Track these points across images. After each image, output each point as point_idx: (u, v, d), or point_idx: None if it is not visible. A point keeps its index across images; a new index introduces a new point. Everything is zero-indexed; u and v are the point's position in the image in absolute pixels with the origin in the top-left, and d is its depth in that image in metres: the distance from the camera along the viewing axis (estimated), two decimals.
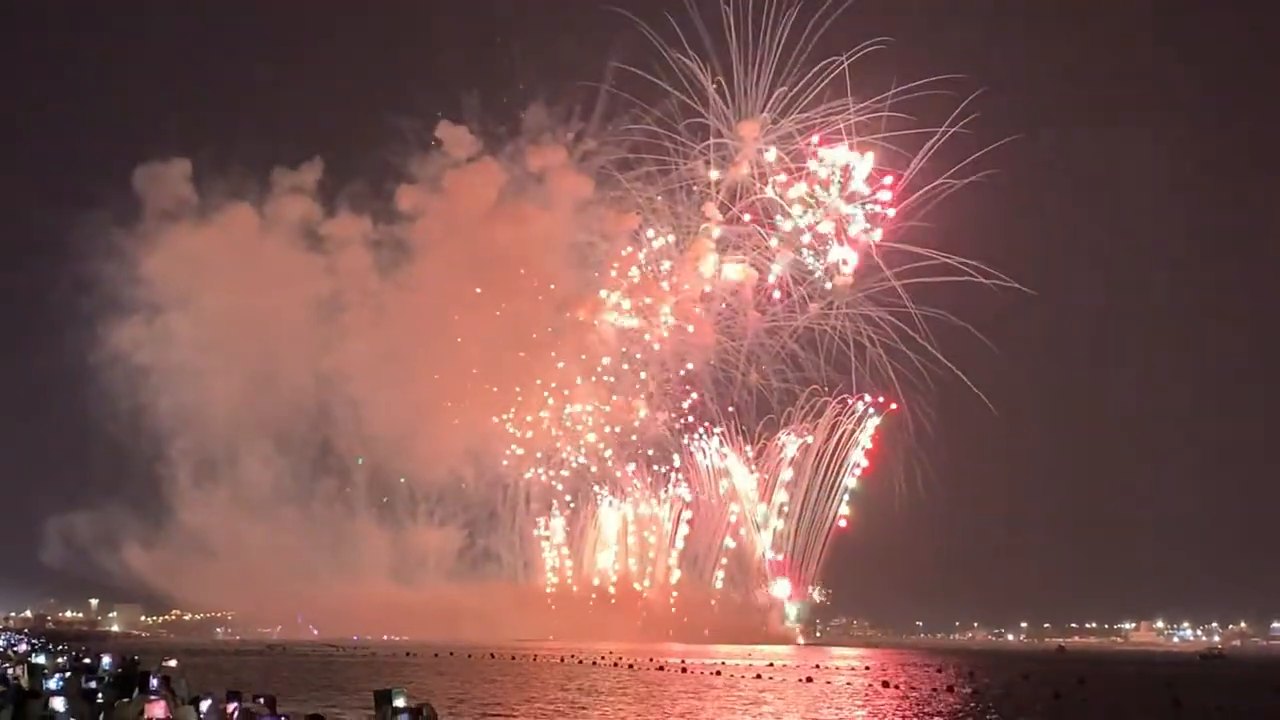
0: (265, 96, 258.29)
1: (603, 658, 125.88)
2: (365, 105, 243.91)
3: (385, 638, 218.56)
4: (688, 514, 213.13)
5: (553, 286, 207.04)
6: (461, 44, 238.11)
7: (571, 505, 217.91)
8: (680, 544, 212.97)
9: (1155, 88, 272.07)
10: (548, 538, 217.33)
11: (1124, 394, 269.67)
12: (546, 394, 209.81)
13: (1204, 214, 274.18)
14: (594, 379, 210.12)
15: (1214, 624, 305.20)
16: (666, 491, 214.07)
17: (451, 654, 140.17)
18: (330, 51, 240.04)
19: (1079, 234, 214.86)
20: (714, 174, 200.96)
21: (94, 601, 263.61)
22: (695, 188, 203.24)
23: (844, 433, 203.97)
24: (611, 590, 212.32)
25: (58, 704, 13.82)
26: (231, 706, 14.42)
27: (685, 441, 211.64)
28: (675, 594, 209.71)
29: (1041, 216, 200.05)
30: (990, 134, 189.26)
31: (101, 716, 14.59)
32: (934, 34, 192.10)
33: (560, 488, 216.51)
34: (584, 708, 61.15)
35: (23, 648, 50.53)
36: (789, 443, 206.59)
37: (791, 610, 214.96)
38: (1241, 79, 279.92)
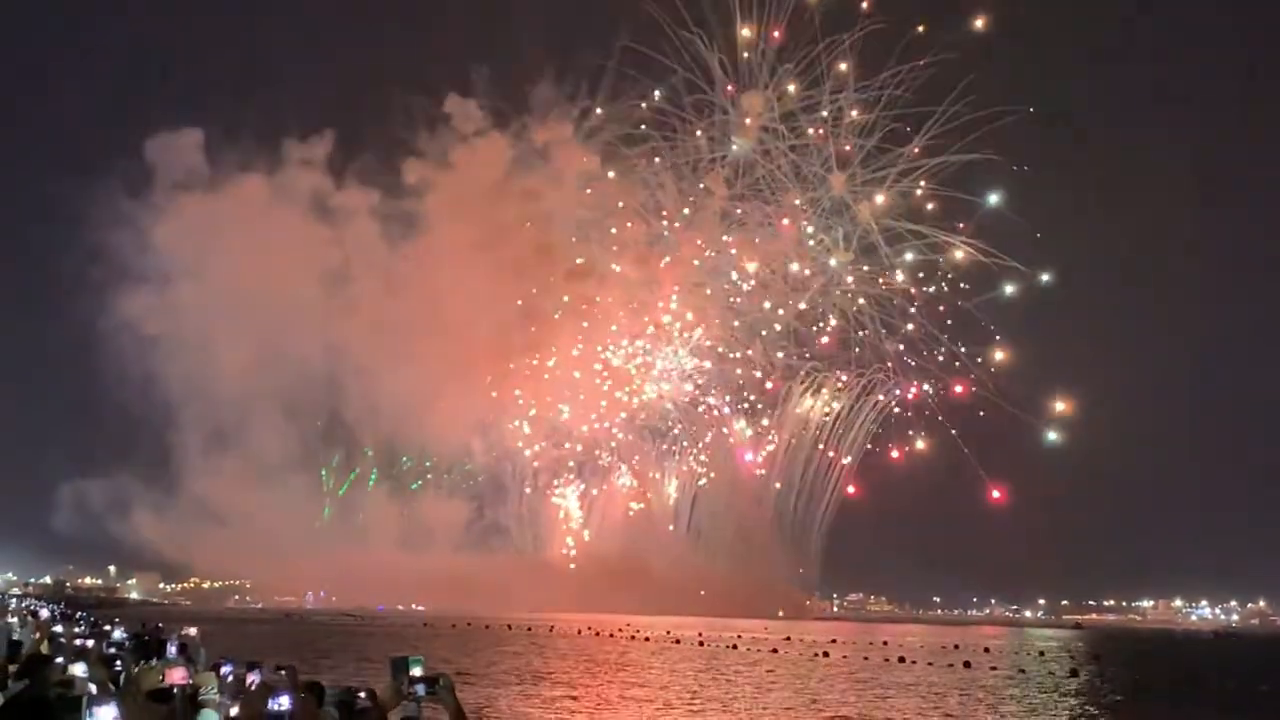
0: (277, 68, 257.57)
1: (620, 629, 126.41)
2: (376, 78, 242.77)
3: (400, 608, 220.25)
4: (702, 482, 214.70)
5: (559, 261, 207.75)
6: (471, 18, 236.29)
7: (581, 478, 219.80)
8: (691, 516, 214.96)
9: (1173, 68, 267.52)
10: (561, 507, 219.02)
11: (1141, 372, 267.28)
12: (553, 362, 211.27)
13: (1221, 192, 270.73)
14: (602, 350, 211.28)
15: (1233, 603, 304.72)
16: (676, 465, 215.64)
17: (469, 624, 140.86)
18: (342, 24, 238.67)
19: (1084, 216, 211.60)
20: (736, 145, 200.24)
21: (112, 568, 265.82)
22: (700, 163, 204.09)
23: (844, 408, 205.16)
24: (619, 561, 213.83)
25: (77, 669, 13.67)
26: (251, 678, 14.25)
27: (693, 415, 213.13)
28: (686, 566, 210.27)
29: (1045, 197, 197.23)
30: (993, 114, 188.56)
31: (121, 681, 14.46)
32: (935, 13, 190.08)
33: (571, 464, 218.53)
34: (609, 681, 61.31)
35: (44, 614, 50.47)
36: (794, 415, 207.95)
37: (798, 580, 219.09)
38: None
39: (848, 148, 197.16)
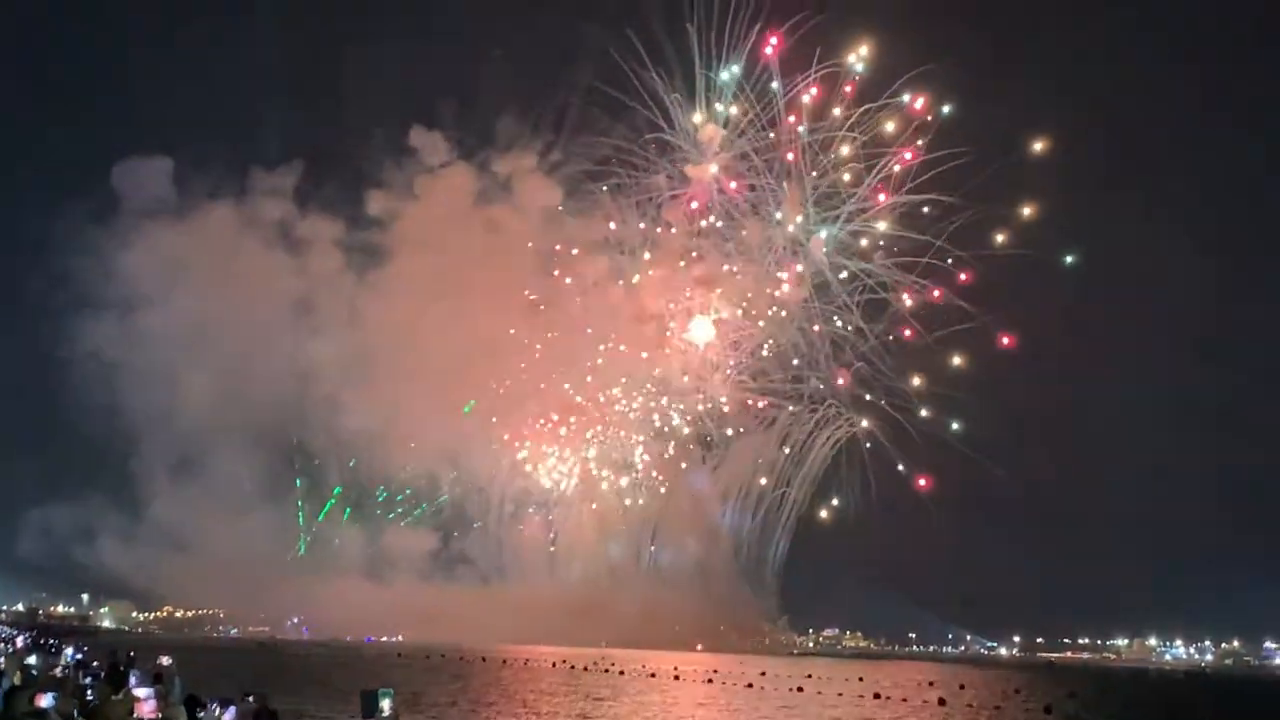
0: (247, 97, 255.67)
1: (595, 663, 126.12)
2: (343, 110, 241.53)
3: (385, 639, 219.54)
4: (660, 517, 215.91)
5: (521, 293, 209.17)
6: (437, 53, 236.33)
7: (547, 509, 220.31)
8: (652, 549, 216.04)
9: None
10: (526, 538, 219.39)
11: (1113, 412, 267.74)
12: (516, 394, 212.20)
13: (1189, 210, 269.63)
14: (563, 384, 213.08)
15: (1207, 642, 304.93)
16: (636, 497, 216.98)
17: (444, 656, 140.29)
18: (312, 55, 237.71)
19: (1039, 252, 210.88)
20: (713, 168, 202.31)
21: (85, 597, 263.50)
22: (660, 199, 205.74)
23: (795, 443, 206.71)
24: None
25: (44, 701, 13.81)
26: (226, 716, 14.35)
27: (651, 447, 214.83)
28: (648, 599, 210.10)
29: (998, 234, 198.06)
30: (945, 157, 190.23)
31: (91, 712, 14.55)
32: (892, 55, 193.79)
33: (535, 494, 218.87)
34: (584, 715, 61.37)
35: (21, 642, 50.32)
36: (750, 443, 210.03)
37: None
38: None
39: (802, 185, 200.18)
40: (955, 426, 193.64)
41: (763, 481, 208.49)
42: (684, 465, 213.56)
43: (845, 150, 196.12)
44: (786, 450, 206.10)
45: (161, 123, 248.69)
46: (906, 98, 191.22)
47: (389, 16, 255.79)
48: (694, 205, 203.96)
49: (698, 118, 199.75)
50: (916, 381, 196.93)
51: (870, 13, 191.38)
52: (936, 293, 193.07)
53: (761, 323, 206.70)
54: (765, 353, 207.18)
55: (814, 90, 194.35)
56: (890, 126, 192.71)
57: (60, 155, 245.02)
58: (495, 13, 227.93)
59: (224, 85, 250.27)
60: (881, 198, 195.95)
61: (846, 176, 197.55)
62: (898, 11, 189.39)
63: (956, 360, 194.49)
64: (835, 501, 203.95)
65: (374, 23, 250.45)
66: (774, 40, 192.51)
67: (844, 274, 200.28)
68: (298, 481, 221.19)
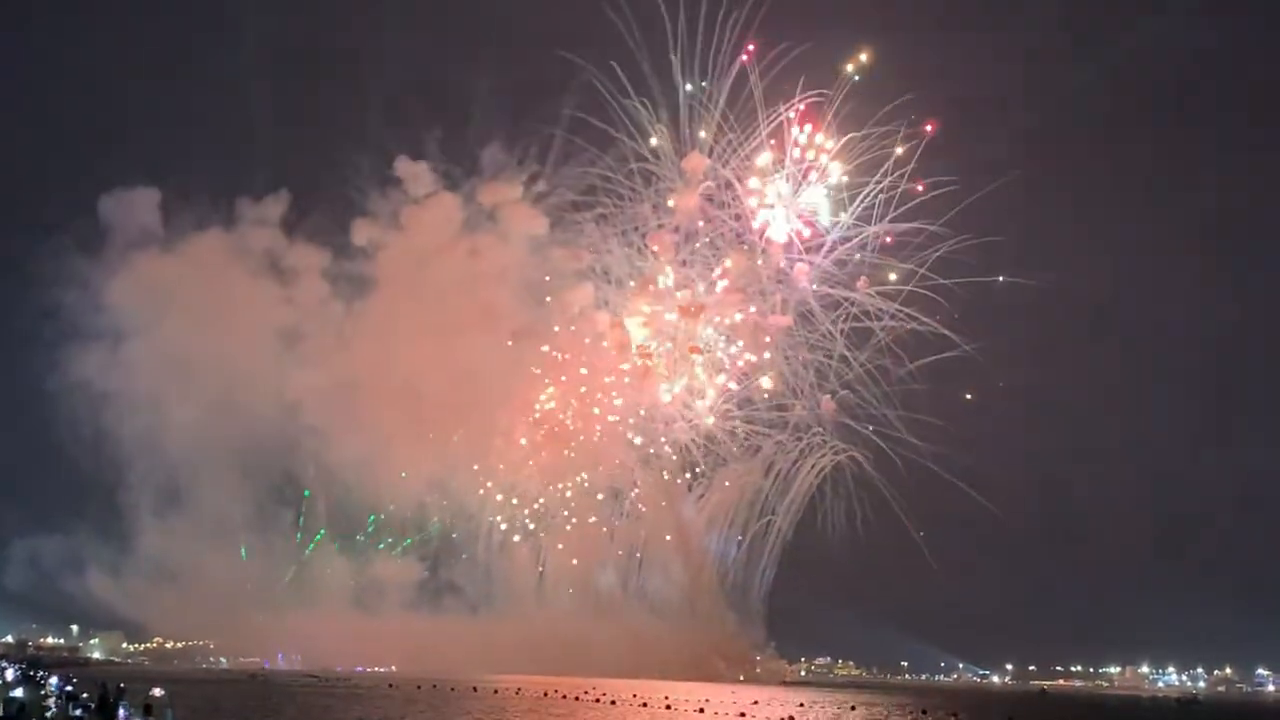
0: (233, 128, 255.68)
1: (585, 692, 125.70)
2: (329, 140, 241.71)
3: (379, 669, 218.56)
4: (645, 548, 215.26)
5: (506, 321, 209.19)
6: (424, 84, 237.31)
7: (534, 537, 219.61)
8: (638, 577, 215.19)
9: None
10: (514, 568, 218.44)
11: (1102, 437, 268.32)
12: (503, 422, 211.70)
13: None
14: (555, 410, 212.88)
15: (1199, 669, 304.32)
16: (624, 526, 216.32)
17: (435, 686, 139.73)
18: (298, 85, 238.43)
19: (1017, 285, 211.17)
20: (670, 202, 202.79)
21: (74, 628, 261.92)
22: (645, 228, 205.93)
23: (780, 471, 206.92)
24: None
25: None
26: None
27: (639, 475, 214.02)
28: (636, 628, 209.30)
29: (975, 272, 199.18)
30: (933, 184, 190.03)
31: None
32: (876, 84, 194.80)
33: (528, 524, 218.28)
34: None
35: (10, 675, 50.19)
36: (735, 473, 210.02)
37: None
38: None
39: (787, 215, 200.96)
40: (944, 456, 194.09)
41: (748, 510, 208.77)
42: (670, 494, 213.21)
43: (833, 178, 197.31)
44: (772, 478, 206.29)
45: (149, 153, 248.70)
46: (913, 117, 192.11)
47: (375, 48, 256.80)
48: (678, 235, 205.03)
49: (654, 141, 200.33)
50: (901, 410, 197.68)
51: (858, 38, 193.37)
52: (938, 318, 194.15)
53: (752, 356, 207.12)
54: (751, 381, 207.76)
55: (800, 106, 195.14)
56: (897, 151, 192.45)
57: (48, 186, 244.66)
58: (481, 43, 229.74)
59: (211, 116, 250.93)
60: (868, 226, 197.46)
61: (843, 214, 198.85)
62: (886, 37, 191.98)
63: (939, 389, 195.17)
64: (819, 528, 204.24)
65: (360, 54, 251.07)
66: (751, 47, 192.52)
67: (829, 302, 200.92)
68: (286, 512, 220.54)
